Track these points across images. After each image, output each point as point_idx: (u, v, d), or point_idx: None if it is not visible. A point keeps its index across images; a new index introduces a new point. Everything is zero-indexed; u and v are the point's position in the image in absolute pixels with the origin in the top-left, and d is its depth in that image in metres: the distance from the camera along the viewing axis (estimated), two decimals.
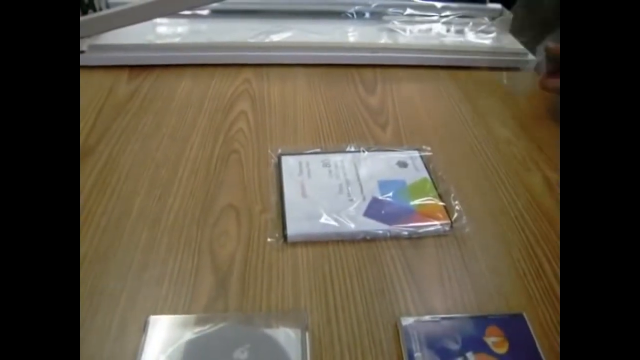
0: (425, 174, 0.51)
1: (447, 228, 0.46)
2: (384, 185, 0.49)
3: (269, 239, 0.44)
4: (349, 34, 0.78)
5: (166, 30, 0.78)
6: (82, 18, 0.65)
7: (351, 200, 0.47)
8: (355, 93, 0.67)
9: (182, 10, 0.76)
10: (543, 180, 0.53)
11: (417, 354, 0.35)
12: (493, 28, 0.82)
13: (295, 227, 0.45)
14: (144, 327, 0.36)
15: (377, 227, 0.45)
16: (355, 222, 0.45)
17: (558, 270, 0.43)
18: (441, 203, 0.48)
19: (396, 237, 0.45)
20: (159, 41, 0.74)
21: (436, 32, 0.80)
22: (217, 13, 0.82)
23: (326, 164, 0.52)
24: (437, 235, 0.46)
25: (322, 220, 0.45)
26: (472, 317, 0.39)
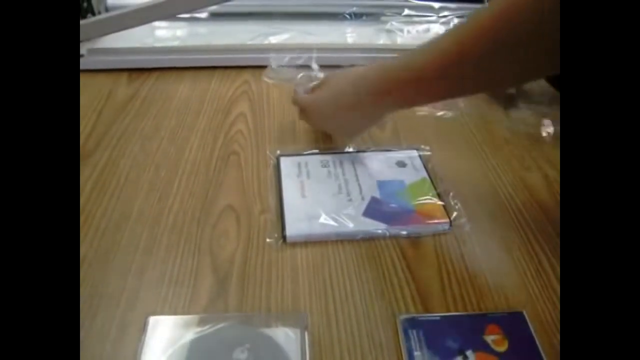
0: (424, 174, 0.51)
1: (446, 227, 0.46)
2: (382, 185, 0.49)
3: (268, 240, 0.44)
4: (347, 35, 0.78)
5: (165, 34, 0.78)
6: (81, 22, 0.65)
7: (350, 200, 0.48)
8: None
9: (180, 14, 0.76)
10: (542, 178, 0.53)
11: (416, 353, 0.35)
12: None
13: (294, 227, 0.45)
14: (144, 328, 0.36)
15: (376, 226, 0.45)
16: (354, 222, 0.45)
17: (558, 268, 0.43)
18: (440, 202, 0.48)
19: (395, 237, 0.45)
20: (158, 44, 0.74)
21: (434, 32, 0.80)
22: (215, 16, 0.83)
23: (325, 165, 0.52)
24: (436, 234, 0.46)
25: (321, 220, 0.45)
26: (471, 316, 0.39)
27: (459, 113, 0.63)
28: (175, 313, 0.38)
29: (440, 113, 0.63)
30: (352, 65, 0.72)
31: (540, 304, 0.40)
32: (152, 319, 0.36)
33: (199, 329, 0.36)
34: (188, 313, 0.38)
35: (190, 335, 0.35)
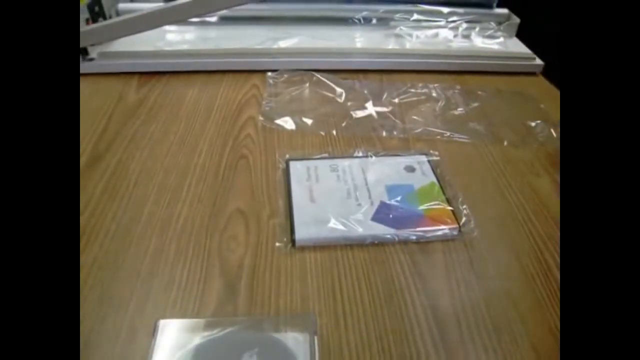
0: (433, 179, 0.51)
1: (455, 232, 0.46)
2: (391, 190, 0.49)
3: (277, 244, 0.44)
4: (356, 40, 0.78)
5: (175, 37, 0.79)
6: (92, 26, 0.66)
7: (359, 204, 0.48)
8: (362, 98, 0.67)
9: (191, 18, 0.77)
10: (551, 184, 0.53)
11: None
12: (500, 33, 0.82)
13: (303, 231, 0.45)
14: (153, 332, 0.36)
15: (385, 231, 0.45)
16: (363, 226, 0.45)
17: None
18: (449, 207, 0.48)
19: (404, 242, 0.45)
20: (168, 48, 0.75)
21: (443, 37, 0.80)
22: (225, 20, 0.83)
23: (334, 169, 0.52)
24: (445, 239, 0.46)
25: (330, 224, 0.45)
26: None
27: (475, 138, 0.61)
28: (184, 317, 0.38)
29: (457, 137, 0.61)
30: (361, 71, 0.73)
31: (549, 310, 0.40)
32: (162, 323, 0.37)
33: (207, 333, 0.36)
34: (197, 317, 0.38)
35: (198, 339, 0.36)
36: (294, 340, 0.35)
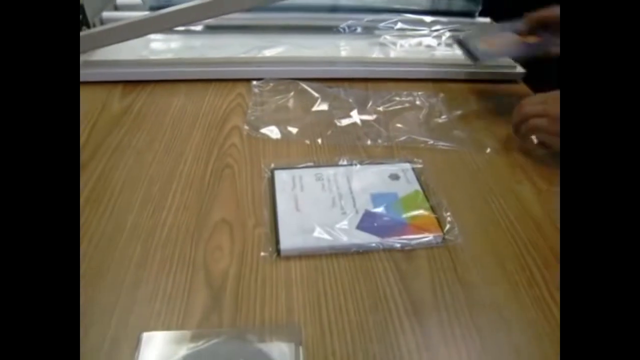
0: (417, 187, 0.52)
1: (439, 240, 0.46)
2: (376, 198, 0.50)
3: (262, 254, 0.44)
4: (341, 49, 0.79)
5: (160, 46, 0.78)
6: None
7: (344, 213, 0.48)
8: (347, 107, 0.68)
9: (176, 27, 0.76)
10: (533, 190, 0.54)
11: None
12: None
13: (288, 241, 0.45)
14: (137, 344, 0.36)
15: (370, 239, 0.45)
16: (348, 235, 0.45)
17: (549, 279, 0.43)
18: (433, 215, 0.48)
19: (389, 250, 0.45)
20: (152, 57, 0.74)
21: (426, 45, 0.81)
22: (210, 29, 0.83)
23: (319, 178, 0.52)
24: (429, 247, 0.46)
25: (316, 234, 0.45)
26: None
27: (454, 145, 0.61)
28: (168, 328, 0.38)
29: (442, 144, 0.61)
30: (346, 79, 0.73)
31: (532, 315, 0.40)
32: (146, 335, 0.36)
33: (192, 345, 0.36)
34: (182, 328, 0.38)
35: (184, 351, 0.35)
36: (279, 350, 0.35)
